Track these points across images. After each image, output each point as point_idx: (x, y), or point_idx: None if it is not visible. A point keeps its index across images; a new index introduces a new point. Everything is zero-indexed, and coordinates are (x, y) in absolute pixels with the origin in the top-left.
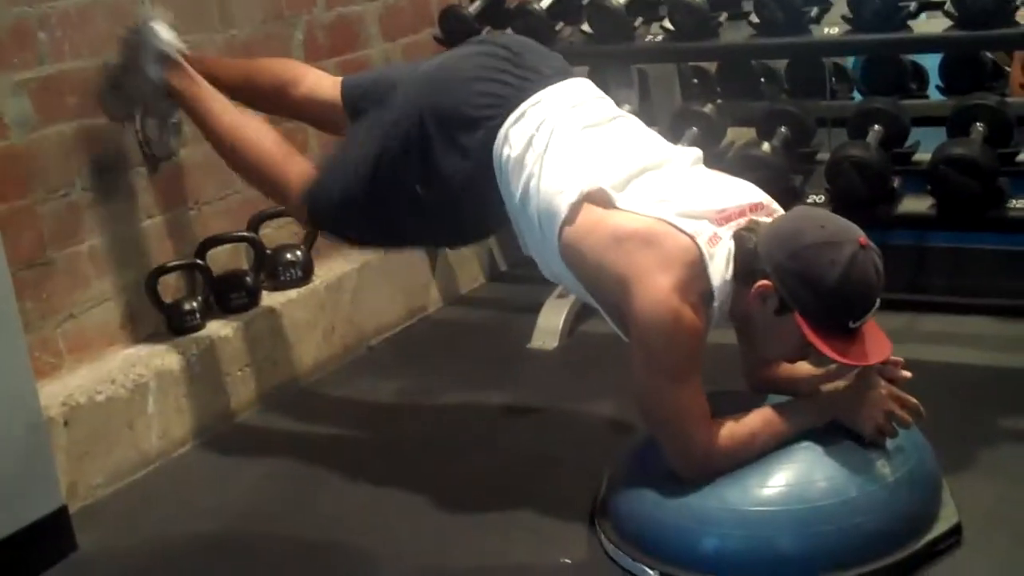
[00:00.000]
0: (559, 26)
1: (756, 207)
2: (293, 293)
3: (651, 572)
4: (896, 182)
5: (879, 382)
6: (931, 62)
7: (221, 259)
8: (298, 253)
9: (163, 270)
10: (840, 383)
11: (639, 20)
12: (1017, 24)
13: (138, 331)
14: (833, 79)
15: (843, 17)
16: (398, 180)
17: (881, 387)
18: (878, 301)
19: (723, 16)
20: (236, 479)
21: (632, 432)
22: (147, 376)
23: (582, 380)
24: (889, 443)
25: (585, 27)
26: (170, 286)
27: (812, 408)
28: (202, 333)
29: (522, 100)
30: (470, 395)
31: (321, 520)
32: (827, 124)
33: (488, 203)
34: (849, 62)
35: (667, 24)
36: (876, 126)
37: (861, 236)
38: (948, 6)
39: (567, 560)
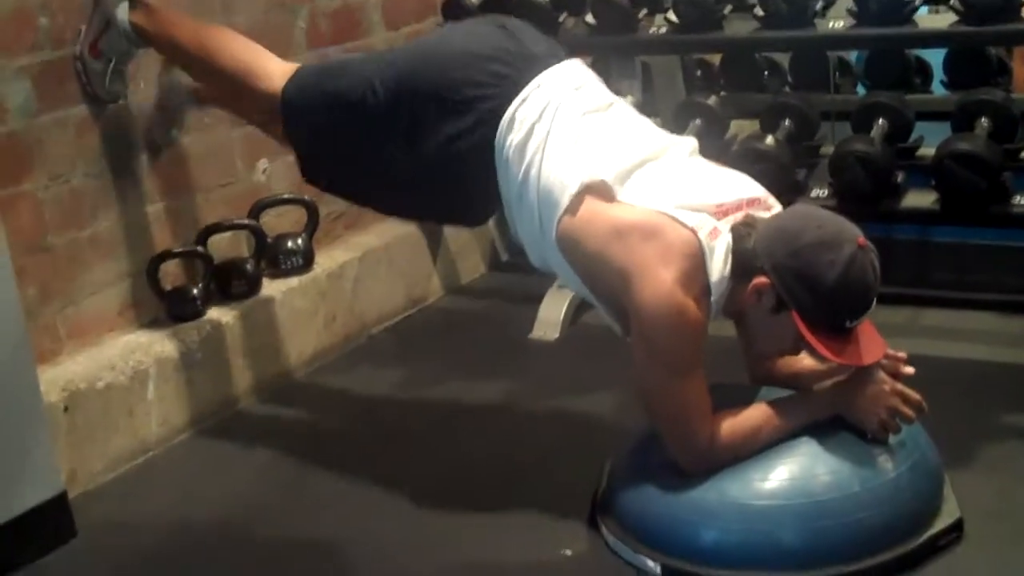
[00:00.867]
0: (562, 17)
1: (754, 202)
2: (294, 281)
3: (652, 564)
4: (900, 177)
5: (882, 377)
6: (936, 57)
7: (222, 246)
8: (299, 241)
9: (164, 257)
10: (842, 378)
11: (643, 11)
12: (1022, 20)
13: (139, 318)
14: (837, 73)
15: (848, 11)
16: (377, 133)
17: (884, 382)
18: (875, 302)
19: (727, 8)
20: (235, 467)
21: (633, 424)
22: (147, 363)
23: (583, 371)
24: (891, 438)
25: (589, 18)
26: (171, 273)
27: (815, 403)
28: (202, 320)
29: (524, 83)
30: (470, 385)
31: (319, 509)
32: (831, 118)
33: (476, 186)
34: (853, 56)
35: (671, 16)
36: (880, 120)
37: (859, 236)
38: (953, 1)
39: (568, 552)
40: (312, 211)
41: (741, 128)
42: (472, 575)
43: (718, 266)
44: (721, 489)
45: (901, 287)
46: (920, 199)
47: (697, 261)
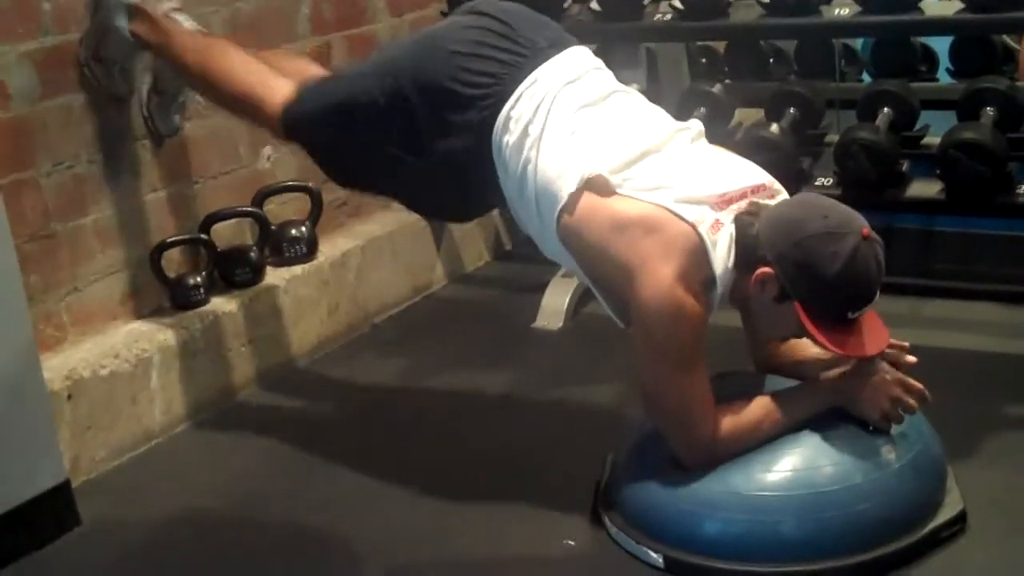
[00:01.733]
0: (567, 3)
1: (758, 189)
2: (297, 269)
3: (654, 555)
4: (905, 165)
5: (885, 367)
6: (941, 45)
7: (225, 234)
8: (303, 229)
9: (167, 245)
10: (846, 368)
11: None
12: None
13: (142, 305)
14: (843, 61)
15: None
16: (379, 132)
17: (887, 372)
18: (877, 293)
19: None
20: (238, 456)
21: (636, 415)
22: (150, 351)
23: (586, 361)
24: (894, 429)
25: (594, 5)
26: (174, 261)
27: (817, 395)
28: (206, 308)
29: (519, 80)
30: (473, 375)
31: (322, 498)
32: (836, 106)
33: (476, 183)
34: (859, 44)
35: (676, 3)
36: (885, 109)
37: (864, 227)
38: None
39: (570, 542)
40: (316, 199)
41: (746, 116)
42: (474, 566)
43: (721, 258)
44: (723, 480)
45: (904, 277)
46: (925, 188)
47: (698, 256)
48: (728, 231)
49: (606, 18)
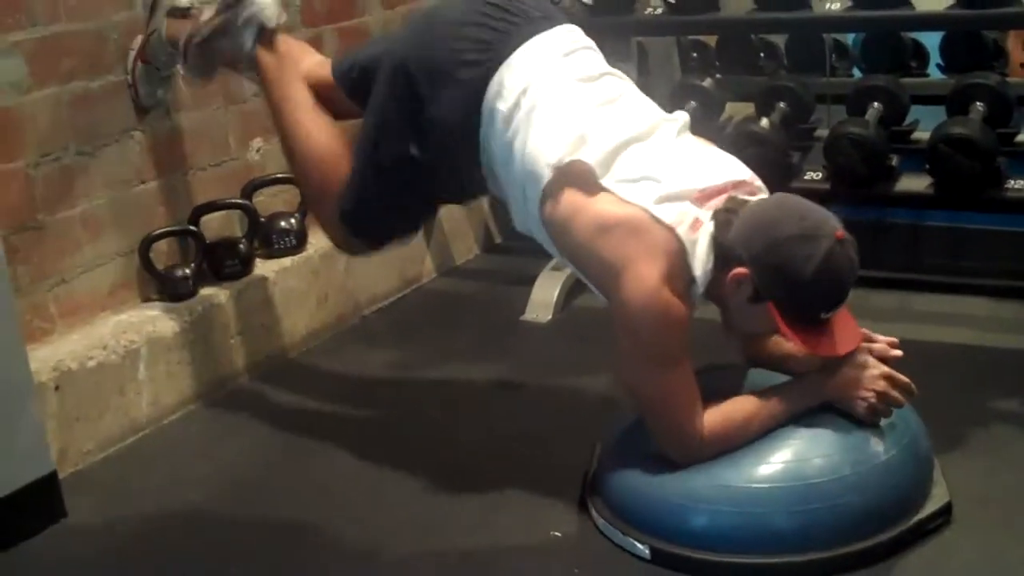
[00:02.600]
0: None
1: (739, 184)
2: (287, 261)
3: (641, 547)
4: (894, 160)
5: (871, 361)
6: (932, 40)
7: (214, 226)
8: (292, 221)
9: (156, 236)
10: (832, 363)
11: None
12: (1018, 3)
13: (130, 297)
14: (833, 55)
15: None
16: (396, 151)
17: (873, 367)
18: (849, 293)
19: None
20: (226, 447)
21: (624, 407)
22: (139, 342)
23: (575, 353)
24: (882, 422)
25: None
26: (163, 252)
27: (804, 390)
28: (194, 300)
29: (512, 47)
30: (462, 367)
31: (310, 490)
32: (826, 101)
33: (467, 157)
34: (849, 39)
35: None
36: (875, 104)
37: (838, 229)
38: None
39: (557, 534)
40: None
41: (736, 110)
42: (461, 558)
43: (701, 258)
44: (711, 472)
45: (894, 271)
46: (914, 183)
47: (679, 258)
48: (707, 230)
49: (597, 11)
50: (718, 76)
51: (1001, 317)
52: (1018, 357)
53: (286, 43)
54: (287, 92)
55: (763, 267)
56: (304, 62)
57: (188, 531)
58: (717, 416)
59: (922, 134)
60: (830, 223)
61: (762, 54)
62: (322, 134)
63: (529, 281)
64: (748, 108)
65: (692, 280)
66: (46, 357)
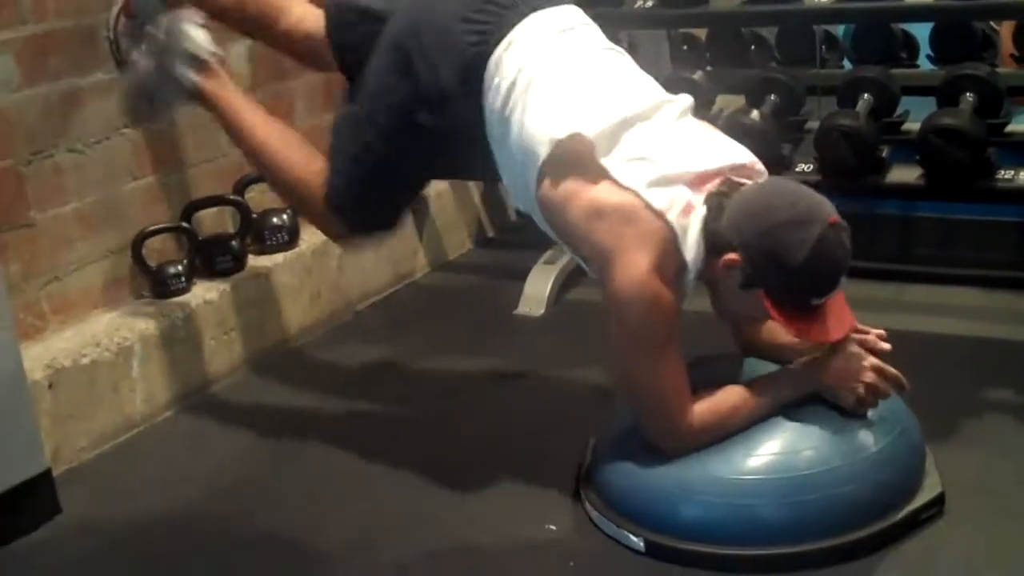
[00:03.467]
0: None
1: (739, 168)
2: (279, 257)
3: (635, 539)
4: (885, 152)
5: (860, 353)
6: (922, 31)
7: (207, 223)
8: (284, 217)
9: (148, 233)
10: (822, 354)
11: None
12: None
13: (123, 294)
14: (823, 47)
15: None
16: (404, 120)
17: (862, 358)
18: (843, 280)
19: None
20: (220, 444)
21: (617, 400)
22: (132, 339)
23: (568, 347)
24: (873, 413)
25: None
26: (155, 249)
27: (794, 380)
28: (187, 297)
29: (511, 24)
30: (456, 362)
31: (304, 485)
32: (817, 92)
33: (468, 128)
34: (840, 30)
35: None
36: (866, 95)
37: (832, 214)
38: None
39: (552, 527)
40: None
41: (727, 103)
42: (455, 553)
43: (692, 244)
44: (703, 464)
45: (885, 262)
46: (905, 174)
47: (670, 244)
48: (699, 214)
49: (586, 4)
50: (708, 69)
51: (993, 307)
52: (1010, 347)
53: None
54: (241, 118)
55: (754, 253)
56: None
57: (183, 527)
58: (705, 406)
59: (912, 125)
60: (824, 208)
61: (752, 46)
62: (289, 148)
63: (522, 275)
64: (739, 101)
65: (684, 266)
66: (39, 355)
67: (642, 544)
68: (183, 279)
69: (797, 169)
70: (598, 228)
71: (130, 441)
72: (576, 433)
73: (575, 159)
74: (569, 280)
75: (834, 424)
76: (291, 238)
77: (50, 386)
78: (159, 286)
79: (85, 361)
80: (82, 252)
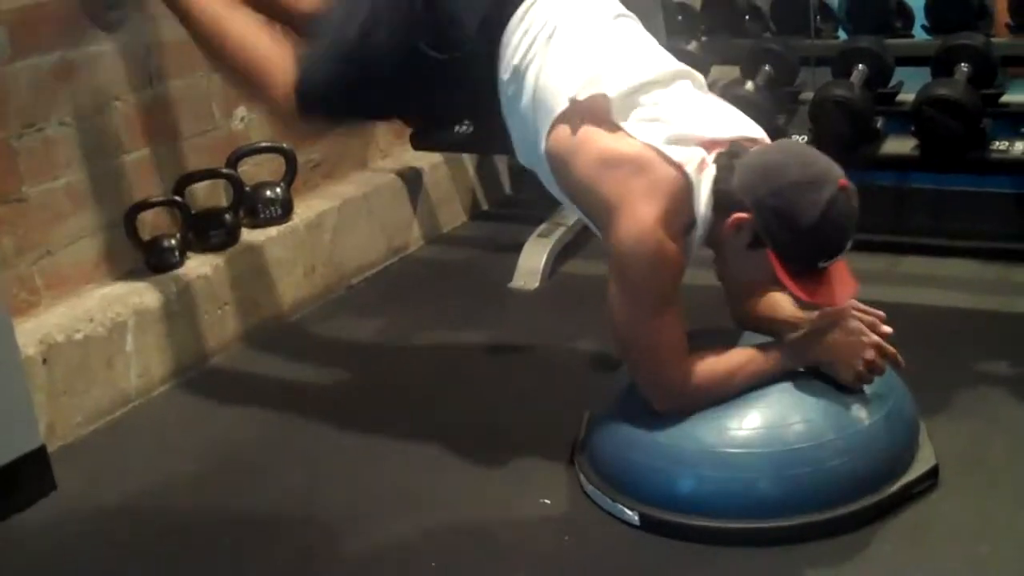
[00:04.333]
0: None
1: (748, 140)
2: (273, 231)
3: (630, 513)
4: (879, 122)
5: (861, 328)
6: (917, 0)
7: (200, 196)
8: (278, 191)
9: (141, 207)
10: (823, 326)
11: None
12: None
13: (116, 268)
14: (818, 17)
15: None
16: (400, 35)
17: (863, 334)
18: (849, 243)
19: None
20: (215, 419)
21: (612, 373)
22: (125, 314)
23: (563, 320)
24: (867, 387)
25: None
26: (148, 223)
27: (792, 350)
28: (181, 271)
29: None
30: (450, 335)
31: (298, 460)
32: (811, 63)
33: (481, 78)
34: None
35: None
36: (860, 66)
37: (842, 177)
38: None
39: (546, 501)
40: (290, 160)
41: (722, 73)
42: (451, 528)
43: (704, 200)
44: (697, 438)
45: (880, 234)
46: (899, 145)
47: (683, 197)
48: (710, 172)
49: None
50: (703, 39)
51: (986, 278)
52: (1004, 319)
53: None
54: (201, 6)
55: (766, 212)
56: None
57: (178, 503)
58: (700, 366)
59: (907, 96)
60: (834, 171)
61: (747, 16)
62: (250, 28)
63: (516, 248)
64: (733, 71)
65: (693, 222)
66: (33, 330)
67: (637, 518)
68: (176, 253)
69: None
70: (607, 178)
71: (125, 417)
72: (572, 407)
73: (590, 116)
74: (564, 253)
75: (827, 397)
76: (284, 212)
77: (44, 361)
78: (152, 260)
79: (79, 336)
80: (74, 226)
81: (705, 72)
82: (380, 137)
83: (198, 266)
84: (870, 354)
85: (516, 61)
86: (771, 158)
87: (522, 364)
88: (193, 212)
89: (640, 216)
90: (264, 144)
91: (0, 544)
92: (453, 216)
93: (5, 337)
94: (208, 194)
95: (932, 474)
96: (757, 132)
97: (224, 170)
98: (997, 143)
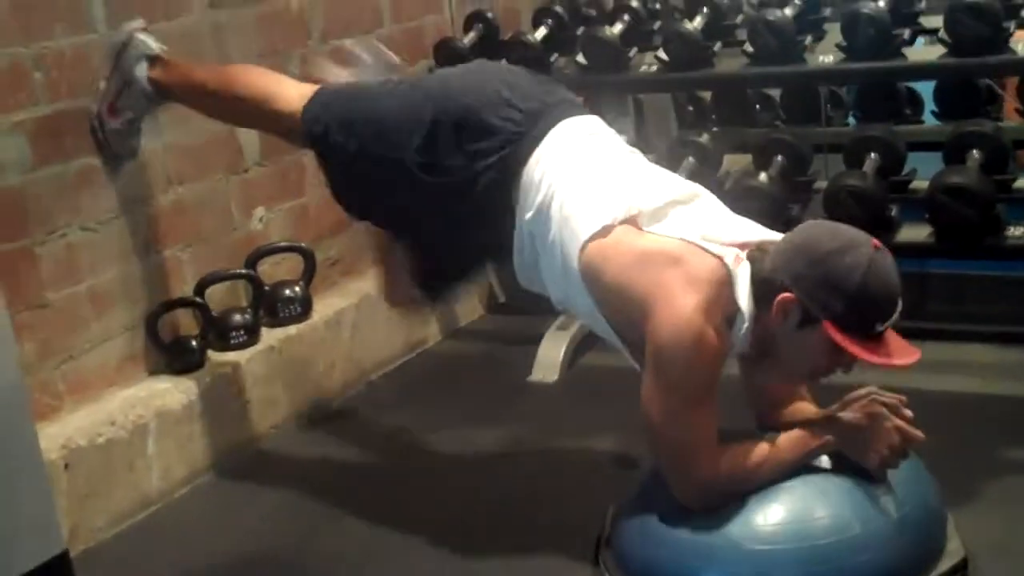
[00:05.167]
0: (554, 57)
1: (774, 244)
2: (292, 329)
3: None
4: (894, 210)
5: (885, 414)
6: (926, 87)
7: (219, 296)
8: (296, 289)
9: (162, 309)
10: (847, 415)
11: (633, 50)
12: (1011, 51)
13: (138, 371)
14: (828, 105)
15: (837, 45)
16: (400, 146)
17: (887, 419)
18: (900, 304)
19: (717, 45)
20: (237, 519)
21: (636, 467)
22: (147, 417)
23: (583, 414)
24: (892, 477)
25: (580, 58)
26: (169, 325)
27: (817, 438)
28: (202, 372)
29: (550, 125)
30: (471, 430)
31: (322, 560)
32: (823, 150)
33: (489, 214)
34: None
35: (661, 54)
36: (872, 154)
37: (873, 240)
38: (942, 33)
39: None
40: (309, 259)
41: (735, 161)
42: None
43: (744, 292)
44: (722, 533)
45: (899, 320)
46: (915, 232)
47: (723, 288)
48: (746, 266)
49: (592, 71)
50: (715, 130)
51: (1007, 363)
52: None
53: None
54: (199, 74)
55: (810, 284)
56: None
57: None
58: (726, 459)
59: (921, 183)
60: (863, 234)
61: (758, 106)
62: (255, 76)
63: (535, 341)
64: (745, 159)
65: (736, 311)
66: (55, 434)
67: None
68: (197, 354)
69: None
70: (643, 273)
71: (148, 519)
72: (595, 501)
73: (623, 227)
74: (582, 345)
75: (853, 490)
76: (304, 310)
77: (66, 466)
78: (173, 361)
79: (101, 440)
80: (96, 330)
81: (717, 162)
82: None
83: (219, 366)
84: (893, 438)
85: (540, 199)
86: (799, 237)
87: (543, 460)
88: (213, 313)
89: (679, 305)
90: (283, 244)
91: None
92: (470, 310)
93: (28, 443)
94: (228, 294)
95: (962, 567)
96: (778, 238)
97: (243, 271)
98: (1012, 229)
